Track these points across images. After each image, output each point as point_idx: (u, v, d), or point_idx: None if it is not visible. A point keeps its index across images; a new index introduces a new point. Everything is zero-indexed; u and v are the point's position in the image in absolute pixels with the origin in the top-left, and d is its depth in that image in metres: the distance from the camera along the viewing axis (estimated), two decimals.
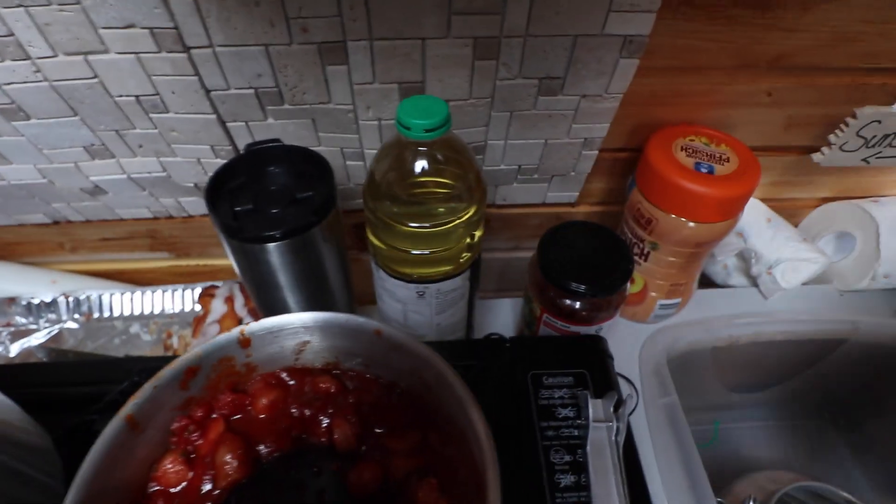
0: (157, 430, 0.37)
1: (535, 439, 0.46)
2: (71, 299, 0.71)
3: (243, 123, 0.56)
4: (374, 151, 0.59)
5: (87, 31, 0.47)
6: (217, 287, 0.69)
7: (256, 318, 0.64)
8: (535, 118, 0.58)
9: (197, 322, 0.66)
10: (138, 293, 0.72)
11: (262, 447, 0.39)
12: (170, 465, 0.37)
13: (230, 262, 0.49)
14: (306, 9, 0.46)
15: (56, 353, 0.68)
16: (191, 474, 0.38)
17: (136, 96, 0.52)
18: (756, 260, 0.72)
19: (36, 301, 0.70)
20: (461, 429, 0.38)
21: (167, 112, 0.54)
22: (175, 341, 0.66)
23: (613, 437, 0.44)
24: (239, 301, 0.65)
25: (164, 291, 0.72)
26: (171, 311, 0.71)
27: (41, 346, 0.69)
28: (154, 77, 0.50)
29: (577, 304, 0.54)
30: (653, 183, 0.58)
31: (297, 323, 0.39)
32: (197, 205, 0.70)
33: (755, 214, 0.73)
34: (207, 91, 0.52)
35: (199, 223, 0.74)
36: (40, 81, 0.50)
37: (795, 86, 0.59)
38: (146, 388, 0.35)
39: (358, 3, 0.46)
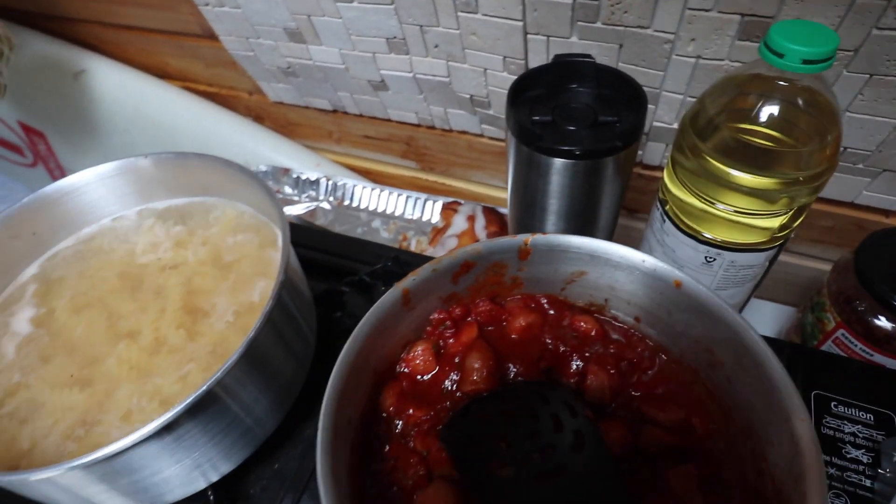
0: (419, 315, 0.37)
1: None
2: (331, 183, 0.77)
3: (545, 38, 0.52)
4: (675, 95, 0.52)
5: None
6: (460, 204, 0.69)
7: None
8: None
9: (436, 232, 0.67)
10: (385, 192, 0.75)
11: (510, 366, 0.37)
12: (420, 352, 0.37)
13: (507, 170, 0.47)
14: None
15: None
16: (437, 368, 0.37)
17: None
18: None
19: (304, 177, 0.77)
20: (748, 425, 0.32)
21: (476, 12, 0.52)
22: (413, 244, 0.68)
23: None
24: (480, 222, 0.64)
25: (408, 197, 0.74)
26: (411, 217, 0.73)
27: (299, 217, 0.76)
28: None
29: None
30: None
31: (584, 248, 0.35)
32: (461, 119, 0.69)
33: None
34: None
35: (455, 140, 0.74)
36: None
37: None
38: (426, 268, 0.35)
39: None
